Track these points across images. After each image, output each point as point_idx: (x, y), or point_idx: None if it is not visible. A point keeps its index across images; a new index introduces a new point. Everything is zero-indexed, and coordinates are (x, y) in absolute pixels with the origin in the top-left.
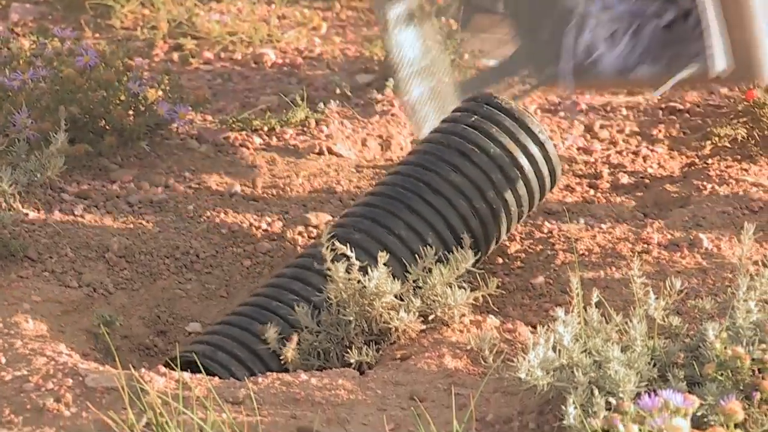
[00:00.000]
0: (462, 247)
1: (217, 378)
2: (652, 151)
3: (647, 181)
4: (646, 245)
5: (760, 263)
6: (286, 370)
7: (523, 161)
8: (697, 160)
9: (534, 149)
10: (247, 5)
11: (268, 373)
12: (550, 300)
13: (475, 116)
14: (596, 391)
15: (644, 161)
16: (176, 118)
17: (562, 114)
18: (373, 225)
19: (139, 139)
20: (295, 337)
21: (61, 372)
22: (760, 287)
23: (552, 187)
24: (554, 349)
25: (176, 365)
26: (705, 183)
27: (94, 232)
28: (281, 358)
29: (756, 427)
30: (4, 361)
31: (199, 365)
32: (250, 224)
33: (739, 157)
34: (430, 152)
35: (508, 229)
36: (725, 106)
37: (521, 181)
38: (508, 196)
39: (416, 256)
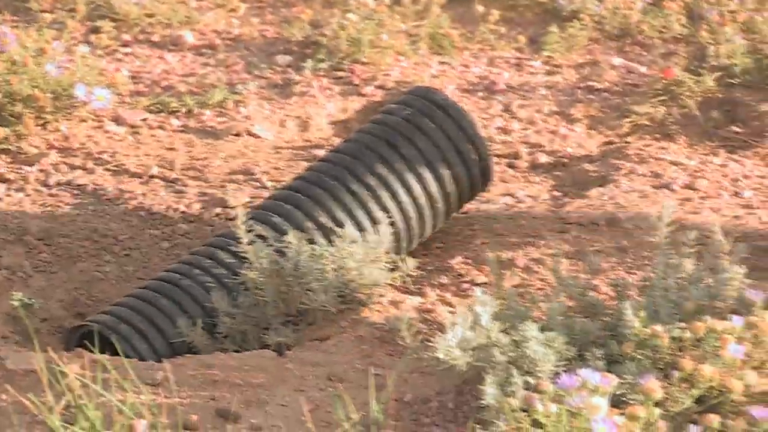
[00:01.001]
0: (379, 233)
1: (133, 359)
2: (570, 130)
3: (566, 160)
4: (564, 225)
5: (680, 242)
6: (196, 351)
7: (456, 158)
8: (615, 139)
9: (466, 146)
10: None
11: (187, 355)
12: (468, 280)
13: (411, 110)
14: (515, 371)
15: (563, 141)
16: (93, 100)
17: (480, 94)
18: (294, 210)
19: (56, 122)
20: (199, 322)
21: None
22: (679, 266)
23: (486, 182)
24: (472, 328)
25: (92, 343)
26: (623, 162)
27: (13, 215)
28: (190, 339)
29: (675, 405)
30: None
31: (100, 333)
32: (168, 206)
33: (658, 135)
34: (361, 141)
35: (435, 226)
36: (643, 85)
37: (452, 179)
38: (435, 192)
39: (331, 240)
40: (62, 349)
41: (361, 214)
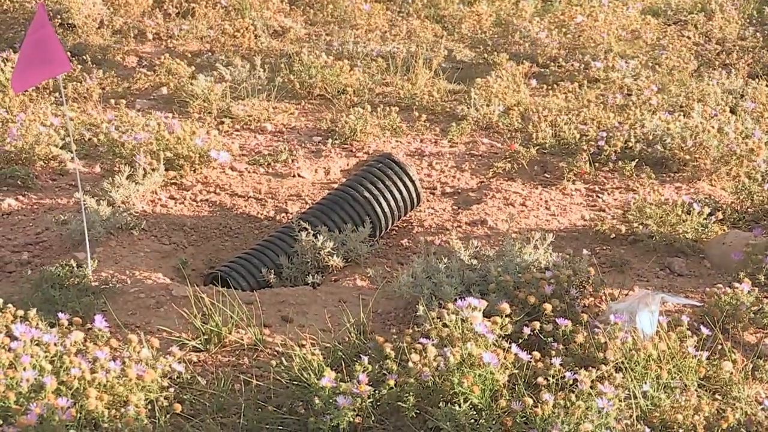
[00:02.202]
0: (365, 227)
1: (238, 290)
2: (462, 175)
3: (460, 191)
4: (459, 224)
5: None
6: (271, 286)
7: (403, 189)
8: (485, 180)
9: (409, 183)
10: (257, 102)
11: (266, 289)
12: (411, 252)
13: (381, 164)
14: (434, 298)
15: (458, 181)
16: (220, 158)
17: (416, 157)
18: (321, 214)
19: (201, 169)
20: (272, 271)
21: (159, 287)
22: (517, 247)
23: (418, 203)
24: (412, 276)
25: (216, 282)
26: (489, 192)
27: (177, 216)
28: (268, 280)
29: (516, 317)
30: (129, 282)
31: (221, 277)
32: (258, 212)
33: (507, 178)
34: (355, 180)
35: (393, 222)
36: (499, 153)
37: (401, 199)
38: (394, 206)
39: (341, 231)
40: (202, 285)
41: (355, 218)
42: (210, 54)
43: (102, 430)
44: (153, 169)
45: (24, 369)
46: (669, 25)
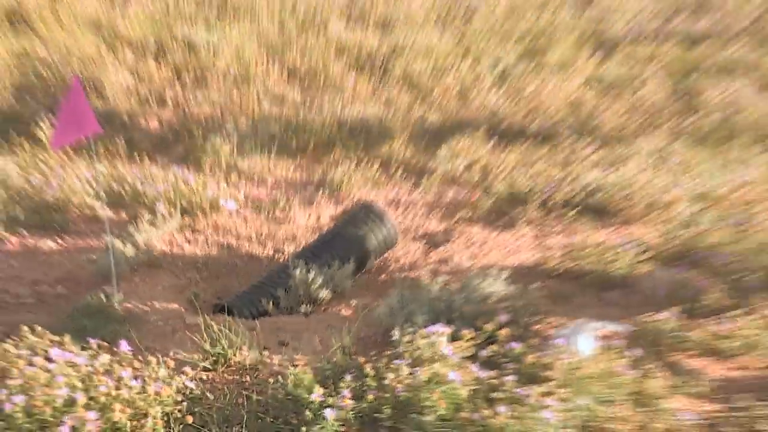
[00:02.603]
0: (362, 267)
1: (242, 319)
2: (431, 221)
3: (429, 233)
4: (428, 262)
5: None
6: (270, 315)
7: (382, 232)
8: (451, 225)
9: (389, 226)
10: (259, 158)
11: (265, 317)
12: (388, 285)
13: (363, 211)
14: (407, 325)
15: (428, 225)
16: (228, 205)
17: (393, 204)
18: (311, 254)
19: (212, 215)
20: (270, 302)
21: (175, 316)
22: (477, 281)
23: (394, 244)
24: (389, 306)
25: (223, 312)
26: (454, 234)
27: (190, 255)
28: (268, 310)
29: (477, 341)
30: (150, 312)
31: (228, 307)
32: (260, 252)
33: (469, 223)
34: (341, 224)
35: (374, 260)
36: (464, 203)
37: (380, 241)
38: (374, 246)
39: (329, 267)
40: (211, 314)
41: (341, 256)
42: (220, 116)
43: None
44: (171, 216)
45: (59, 387)
46: (606, 94)
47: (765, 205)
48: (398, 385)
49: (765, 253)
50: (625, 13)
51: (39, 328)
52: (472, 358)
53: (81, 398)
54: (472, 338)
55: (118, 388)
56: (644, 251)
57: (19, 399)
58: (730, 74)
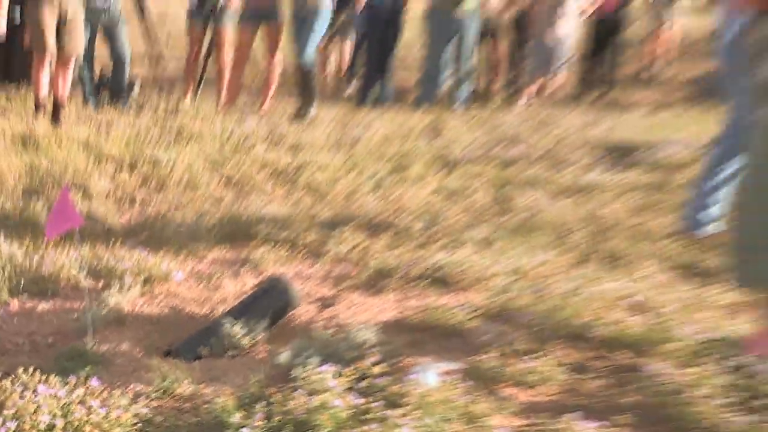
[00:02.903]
0: (273, 323)
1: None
2: (324, 287)
3: (323, 298)
4: (323, 318)
5: None
6: (204, 358)
7: (289, 296)
8: (338, 292)
9: (294, 293)
10: (204, 242)
11: (202, 359)
12: (292, 336)
13: (275, 281)
14: (304, 365)
15: (322, 291)
16: (178, 277)
17: (298, 276)
18: (239, 312)
19: (165, 285)
20: (207, 348)
21: (135, 359)
22: (360, 332)
23: (298, 306)
24: (292, 351)
25: (170, 354)
26: (342, 298)
27: (150, 314)
28: (203, 354)
29: (356, 376)
30: (117, 356)
31: (173, 352)
32: (200, 311)
33: (353, 291)
34: (259, 291)
35: (283, 317)
36: (349, 274)
37: (288, 303)
38: (282, 307)
39: (249, 322)
40: (162, 358)
41: (259, 313)
42: (174, 213)
43: None
44: (135, 285)
45: (43, 414)
46: (449, 199)
47: (555, 278)
48: (298, 409)
49: (556, 312)
50: (461, 142)
51: (31, 369)
52: (351, 389)
53: (60, 423)
54: (351, 374)
55: (89, 414)
56: (474, 310)
57: (12, 425)
58: (533, 186)
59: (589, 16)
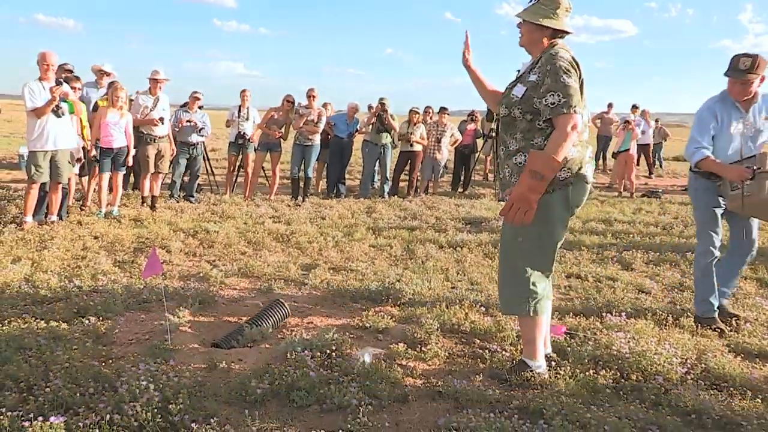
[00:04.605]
0: (275, 326)
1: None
2: (317, 309)
3: (304, 311)
4: (303, 324)
5: None
6: (236, 347)
7: (284, 310)
8: (315, 308)
9: (287, 308)
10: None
11: (234, 348)
12: (285, 335)
13: (275, 302)
14: (292, 356)
15: (315, 311)
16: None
17: (288, 298)
18: (254, 321)
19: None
20: (236, 341)
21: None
22: (327, 333)
23: (289, 316)
24: (285, 345)
25: (216, 345)
26: (316, 312)
27: (207, 322)
28: (235, 345)
29: (322, 358)
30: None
31: (218, 344)
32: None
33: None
34: (267, 307)
35: (280, 323)
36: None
37: (283, 315)
38: (280, 317)
39: (261, 326)
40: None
41: (267, 321)
42: (218, 261)
43: None
44: (194, 304)
45: (149, 380)
46: (381, 252)
47: (441, 296)
48: (290, 378)
49: (440, 316)
50: (385, 217)
51: (135, 354)
52: (322, 365)
53: (151, 385)
54: (320, 356)
55: (168, 381)
56: (392, 318)
57: (124, 388)
58: (427, 243)
59: (455, 146)
